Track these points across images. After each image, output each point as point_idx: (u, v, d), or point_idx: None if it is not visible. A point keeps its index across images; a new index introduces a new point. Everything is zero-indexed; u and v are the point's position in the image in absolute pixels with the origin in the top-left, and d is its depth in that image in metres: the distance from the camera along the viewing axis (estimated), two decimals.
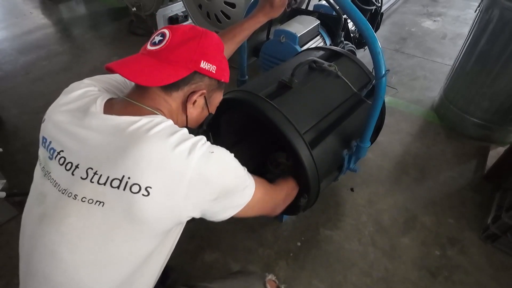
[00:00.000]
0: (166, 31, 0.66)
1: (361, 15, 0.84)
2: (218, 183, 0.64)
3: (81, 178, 0.59)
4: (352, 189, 1.56)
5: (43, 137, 0.67)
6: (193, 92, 0.68)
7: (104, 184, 0.57)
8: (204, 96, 0.71)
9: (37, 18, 3.28)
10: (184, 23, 2.96)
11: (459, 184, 1.60)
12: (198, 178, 0.60)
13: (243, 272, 0.81)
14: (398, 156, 1.75)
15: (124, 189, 0.56)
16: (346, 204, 1.50)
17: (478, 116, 1.78)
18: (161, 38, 0.65)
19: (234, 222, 1.38)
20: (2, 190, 1.26)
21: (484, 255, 1.31)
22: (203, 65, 0.66)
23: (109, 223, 0.58)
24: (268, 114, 0.95)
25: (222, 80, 0.73)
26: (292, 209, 1.09)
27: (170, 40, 0.64)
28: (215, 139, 1.30)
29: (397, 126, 1.93)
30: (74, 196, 0.59)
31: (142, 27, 2.95)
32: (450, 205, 1.50)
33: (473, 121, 1.81)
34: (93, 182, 0.58)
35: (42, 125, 0.69)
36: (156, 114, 0.65)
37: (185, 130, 0.64)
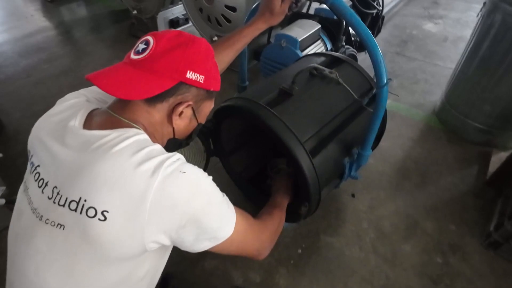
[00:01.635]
0: (150, 39, 0.61)
1: (362, 23, 0.83)
2: (187, 208, 0.57)
3: (48, 197, 0.56)
4: (353, 195, 1.55)
5: (28, 150, 0.66)
6: (179, 104, 0.63)
7: (63, 206, 0.54)
8: (192, 107, 0.67)
9: (38, 21, 3.29)
10: (184, 26, 2.97)
11: (460, 190, 1.59)
12: (162, 200, 0.54)
13: None
14: (399, 161, 1.74)
15: (80, 213, 0.53)
16: (347, 210, 1.50)
17: (480, 121, 1.77)
18: (145, 46, 0.61)
19: None
20: (2, 197, 1.26)
21: (486, 262, 1.30)
22: (190, 75, 0.62)
23: (71, 247, 0.55)
24: (269, 122, 0.94)
25: (212, 89, 0.69)
26: (293, 217, 1.09)
27: (154, 49, 0.60)
28: (215, 145, 1.30)
29: (398, 131, 1.92)
30: (41, 217, 0.57)
31: (143, 30, 2.95)
32: (452, 211, 1.49)
33: (474, 126, 1.80)
34: (55, 203, 0.55)
35: (29, 136, 0.66)
36: (134, 127, 0.61)
37: (156, 147, 0.60)
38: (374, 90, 0.94)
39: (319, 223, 1.43)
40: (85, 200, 0.53)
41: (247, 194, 1.41)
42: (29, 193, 0.61)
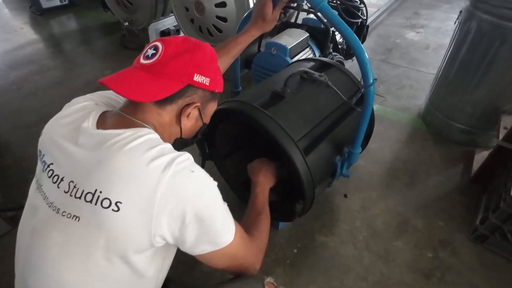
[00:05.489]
0: (159, 44, 0.65)
1: (348, 27, 0.89)
2: (192, 204, 0.60)
3: (64, 191, 0.59)
4: (345, 195, 1.59)
5: (39, 150, 0.68)
6: (187, 105, 0.68)
7: (80, 198, 0.57)
8: (198, 108, 0.71)
9: (28, 34, 3.29)
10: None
11: (447, 188, 1.65)
12: (170, 194, 0.57)
13: (241, 276, 0.82)
14: (388, 162, 1.80)
15: (95, 204, 0.55)
16: (340, 210, 1.53)
17: (463, 122, 1.85)
18: (154, 51, 0.64)
19: None
20: None
21: (474, 255, 1.34)
22: (197, 78, 0.66)
23: (86, 239, 0.57)
24: (263, 123, 0.98)
25: (216, 91, 0.73)
26: (288, 215, 1.12)
27: (163, 54, 0.64)
28: (210, 149, 1.33)
29: (386, 133, 1.99)
30: (57, 210, 0.59)
31: (135, 41, 2.99)
32: (440, 208, 1.55)
33: (458, 127, 1.88)
34: (71, 196, 0.57)
35: (40, 138, 0.69)
36: (146, 127, 0.65)
37: (167, 145, 0.63)
38: (362, 91, 1.00)
39: (314, 223, 1.46)
40: (101, 192, 0.55)
41: (241, 197, 1.43)
42: (43, 189, 0.62)
